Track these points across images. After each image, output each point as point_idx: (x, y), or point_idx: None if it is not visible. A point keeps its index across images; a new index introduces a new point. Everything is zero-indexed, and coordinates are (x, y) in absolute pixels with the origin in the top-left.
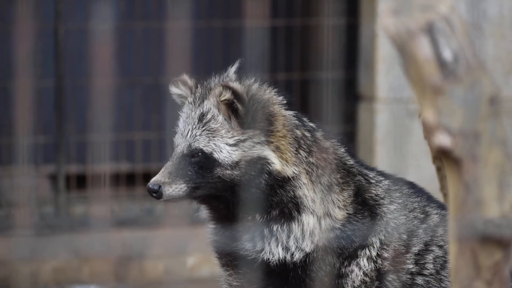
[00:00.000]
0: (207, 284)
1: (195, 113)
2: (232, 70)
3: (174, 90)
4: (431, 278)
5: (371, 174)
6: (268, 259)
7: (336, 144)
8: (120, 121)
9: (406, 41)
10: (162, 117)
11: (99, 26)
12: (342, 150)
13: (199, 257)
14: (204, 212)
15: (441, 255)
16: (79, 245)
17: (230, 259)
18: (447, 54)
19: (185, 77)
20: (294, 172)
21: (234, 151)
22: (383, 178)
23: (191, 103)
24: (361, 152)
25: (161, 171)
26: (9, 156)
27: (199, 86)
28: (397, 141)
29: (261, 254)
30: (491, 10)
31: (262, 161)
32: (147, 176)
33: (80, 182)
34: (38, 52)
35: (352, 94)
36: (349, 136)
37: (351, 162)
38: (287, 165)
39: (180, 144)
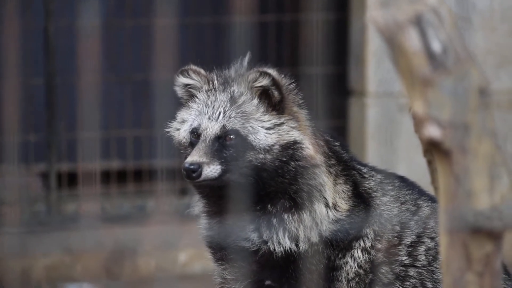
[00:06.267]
0: (199, 280)
1: (223, 96)
2: (245, 61)
3: (183, 80)
4: (423, 269)
5: (364, 169)
6: (274, 249)
7: (331, 138)
8: (110, 119)
9: (395, 33)
10: (152, 114)
11: (88, 23)
12: (337, 144)
13: (191, 253)
14: (197, 207)
15: (433, 246)
16: (70, 242)
17: (225, 253)
18: (436, 46)
19: (196, 67)
20: (320, 159)
21: (270, 134)
22: (375, 173)
23: (209, 90)
24: (352, 146)
25: (195, 152)
26: None
27: (214, 74)
28: (388, 135)
29: (267, 244)
30: (481, 3)
31: (295, 146)
32: (138, 173)
33: (71, 180)
34: (28, 50)
35: (343, 89)
36: (340, 131)
37: (346, 156)
38: (315, 152)
39: (211, 126)
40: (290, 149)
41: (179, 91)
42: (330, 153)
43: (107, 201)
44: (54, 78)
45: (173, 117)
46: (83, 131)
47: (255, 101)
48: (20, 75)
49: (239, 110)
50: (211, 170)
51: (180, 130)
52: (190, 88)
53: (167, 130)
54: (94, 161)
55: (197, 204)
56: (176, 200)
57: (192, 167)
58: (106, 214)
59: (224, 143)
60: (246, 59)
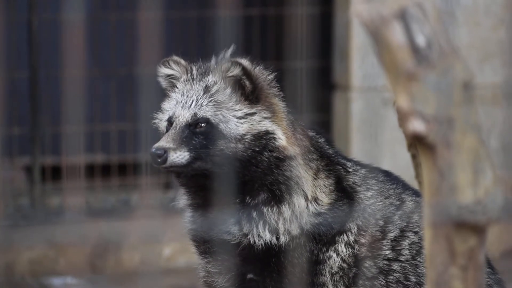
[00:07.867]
0: (183, 273)
1: (198, 85)
2: (228, 52)
3: (165, 70)
4: (407, 264)
5: (349, 164)
6: (255, 242)
7: (316, 134)
8: (95, 112)
9: (379, 27)
10: (137, 108)
11: (73, 16)
12: (322, 139)
13: (175, 247)
14: (182, 200)
15: (417, 241)
16: (54, 236)
17: (208, 246)
18: (420, 40)
19: (176, 57)
20: (295, 151)
21: (241, 123)
22: (359, 167)
23: (187, 80)
24: (337, 141)
25: (163, 138)
26: None
27: (195, 64)
28: (372, 129)
29: (248, 237)
30: None
31: (268, 136)
32: (123, 167)
33: (55, 173)
34: (12, 43)
35: (327, 83)
36: (325, 125)
37: (330, 151)
38: (290, 144)
39: (183, 114)
40: (263, 139)
41: (162, 82)
42: (311, 148)
43: (91, 195)
44: (38, 71)
45: (157, 111)
46: (67, 124)
47: (228, 90)
48: (4, 69)
49: (211, 99)
50: (178, 156)
51: (162, 120)
52: (171, 78)
53: (153, 121)
54: (78, 155)
55: (182, 198)
56: (161, 194)
57: (158, 152)
58: (90, 208)
59: (194, 131)
60: (230, 51)
